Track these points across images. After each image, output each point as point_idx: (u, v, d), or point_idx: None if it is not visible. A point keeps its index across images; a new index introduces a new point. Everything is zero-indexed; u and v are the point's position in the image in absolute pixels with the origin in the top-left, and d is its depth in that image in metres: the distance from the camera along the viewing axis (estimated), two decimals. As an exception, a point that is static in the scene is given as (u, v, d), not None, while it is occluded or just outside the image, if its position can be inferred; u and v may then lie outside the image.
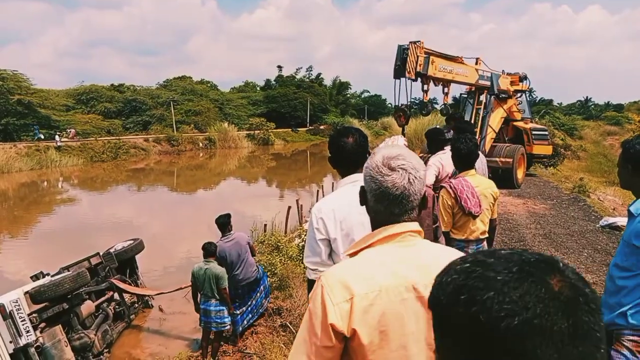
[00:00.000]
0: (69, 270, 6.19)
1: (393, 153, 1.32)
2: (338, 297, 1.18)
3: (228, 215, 6.08)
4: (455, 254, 1.28)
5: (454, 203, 3.26)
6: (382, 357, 1.19)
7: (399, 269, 1.22)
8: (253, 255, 6.29)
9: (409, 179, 1.28)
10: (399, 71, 9.27)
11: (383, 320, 1.18)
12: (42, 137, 33.40)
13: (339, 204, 2.23)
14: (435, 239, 3.26)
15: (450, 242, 3.41)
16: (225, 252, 5.86)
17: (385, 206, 1.31)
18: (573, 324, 0.57)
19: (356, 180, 2.31)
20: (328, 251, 2.23)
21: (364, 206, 1.44)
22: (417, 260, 1.25)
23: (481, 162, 4.59)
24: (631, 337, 2.27)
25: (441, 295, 0.66)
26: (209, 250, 5.72)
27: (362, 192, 1.39)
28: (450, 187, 3.30)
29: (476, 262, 0.64)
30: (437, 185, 4.28)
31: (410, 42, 9.15)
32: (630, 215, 2.38)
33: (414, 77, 9.20)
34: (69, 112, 42.40)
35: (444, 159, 4.45)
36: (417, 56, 9.05)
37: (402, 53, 9.21)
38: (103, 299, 6.51)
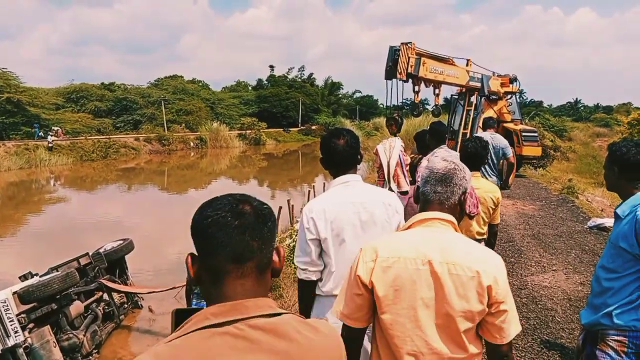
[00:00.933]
0: (57, 271, 6.14)
1: (449, 156, 1.79)
2: (367, 257, 1.56)
3: None
4: (475, 246, 1.60)
5: None
6: (395, 312, 1.51)
7: (420, 246, 1.52)
8: None
9: (454, 168, 1.65)
10: (391, 72, 9.32)
11: (397, 281, 1.51)
12: (43, 135, 33.08)
13: (330, 203, 2.25)
14: None
15: None
16: None
17: (431, 185, 1.64)
18: (239, 223, 1.00)
19: (347, 181, 2.32)
20: (318, 251, 2.24)
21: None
22: (440, 242, 1.53)
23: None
24: (616, 337, 2.30)
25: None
26: None
27: (417, 186, 1.74)
28: None
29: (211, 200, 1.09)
30: None
31: (402, 43, 9.20)
32: (617, 217, 2.42)
33: (405, 78, 9.24)
34: (58, 110, 42.00)
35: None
36: (408, 57, 9.10)
37: (394, 54, 9.26)
38: (92, 299, 6.47)
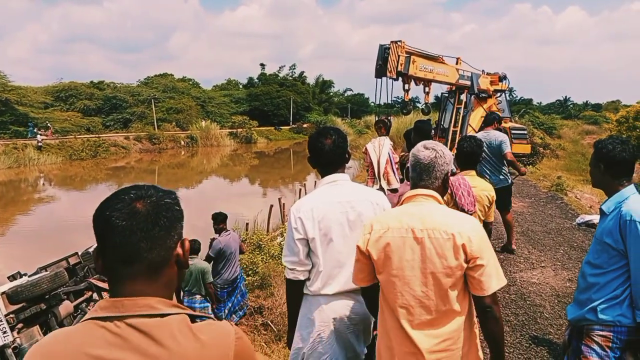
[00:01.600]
0: (46, 270, 6.10)
1: (430, 142, 2.04)
2: (365, 231, 1.95)
3: (225, 216, 6.29)
4: (452, 213, 1.92)
5: (449, 199, 3.32)
6: (387, 273, 1.87)
7: (404, 218, 1.87)
8: (242, 252, 6.51)
9: (436, 156, 1.94)
10: (381, 70, 9.34)
11: (387, 247, 1.86)
12: (39, 133, 32.69)
13: (318, 203, 2.24)
14: None
15: None
16: (230, 246, 6.02)
17: (417, 173, 1.97)
18: (127, 225, 1.01)
19: (335, 180, 2.32)
20: (306, 251, 2.24)
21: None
22: (421, 213, 1.86)
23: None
24: (601, 333, 2.33)
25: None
26: (193, 248, 5.75)
27: (406, 170, 2.12)
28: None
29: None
30: None
31: (392, 42, 9.21)
32: (602, 213, 2.45)
33: (395, 77, 9.27)
34: (47, 109, 41.61)
35: None
36: (399, 55, 9.11)
37: (384, 52, 9.28)
38: (82, 299, 6.43)
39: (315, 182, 18.95)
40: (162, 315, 0.99)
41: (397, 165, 4.69)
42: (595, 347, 2.34)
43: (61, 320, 5.80)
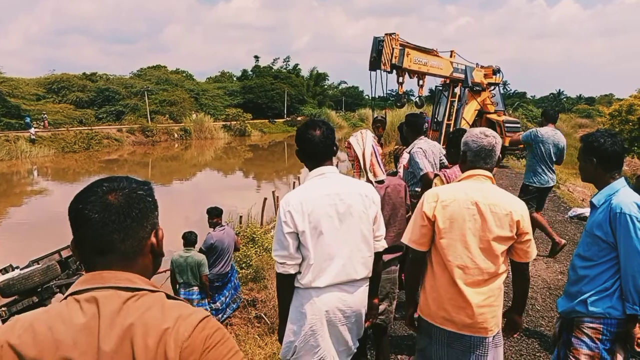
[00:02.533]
0: (39, 263, 6.08)
1: (488, 130, 2.33)
2: (430, 200, 2.23)
3: (220, 211, 6.25)
4: (507, 194, 2.24)
5: None
6: (449, 238, 2.18)
7: (469, 192, 2.19)
8: (237, 250, 6.46)
9: (496, 142, 2.28)
10: (375, 63, 9.33)
11: (453, 215, 2.16)
12: (33, 126, 32.42)
13: (307, 196, 2.23)
14: None
15: None
16: (223, 242, 5.97)
17: (481, 157, 2.26)
18: (100, 218, 1.05)
19: (324, 173, 2.31)
20: (296, 244, 2.22)
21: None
22: (482, 190, 2.20)
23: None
24: (591, 325, 2.35)
25: None
26: (190, 240, 5.73)
27: (463, 153, 2.32)
28: (444, 175, 3.45)
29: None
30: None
31: (386, 34, 9.19)
32: (593, 206, 2.47)
33: (389, 69, 9.26)
34: (39, 101, 41.29)
35: (422, 145, 4.40)
36: (393, 48, 9.10)
37: (378, 45, 9.26)
38: (74, 292, 6.43)
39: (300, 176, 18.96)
40: (139, 290, 1.04)
41: (381, 157, 4.67)
42: (586, 339, 2.36)
43: (54, 313, 5.80)
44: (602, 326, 2.33)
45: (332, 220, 2.23)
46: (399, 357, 3.65)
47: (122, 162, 30.89)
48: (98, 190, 1.07)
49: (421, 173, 4.19)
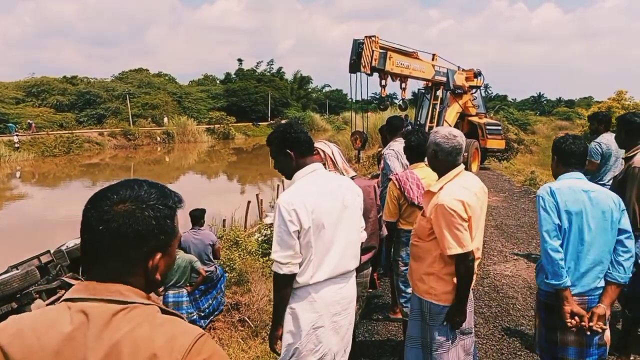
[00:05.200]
0: (17, 269, 5.97)
1: (449, 128, 2.60)
2: (459, 207, 2.37)
3: (203, 210, 6.06)
4: (478, 180, 2.63)
5: (400, 194, 3.38)
6: (474, 224, 2.43)
7: (468, 186, 2.48)
8: (216, 258, 6.19)
9: (462, 139, 2.50)
10: (355, 66, 9.28)
11: (472, 209, 2.40)
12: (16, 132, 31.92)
13: (307, 193, 2.26)
14: (380, 228, 3.35)
15: (398, 232, 3.50)
16: (188, 244, 5.78)
17: (453, 157, 2.49)
18: (104, 228, 1.02)
19: (315, 169, 2.36)
20: (300, 245, 2.24)
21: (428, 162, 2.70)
22: (472, 182, 2.55)
23: None
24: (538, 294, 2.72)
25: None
26: None
27: (434, 152, 2.52)
28: (396, 179, 3.43)
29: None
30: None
31: (366, 37, 9.18)
32: None
33: (369, 72, 9.24)
34: (18, 105, 40.63)
35: (395, 147, 4.47)
36: (373, 51, 9.10)
37: (358, 47, 9.22)
38: (54, 297, 6.31)
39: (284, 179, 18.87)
40: (130, 303, 1.01)
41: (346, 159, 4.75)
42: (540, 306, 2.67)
43: (33, 319, 5.69)
44: (539, 296, 2.66)
45: (331, 215, 2.29)
46: None
47: (104, 166, 30.53)
48: (111, 197, 1.05)
49: (390, 175, 4.27)
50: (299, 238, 2.22)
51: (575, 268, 2.45)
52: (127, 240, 1.03)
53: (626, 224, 2.47)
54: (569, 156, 2.57)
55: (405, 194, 3.33)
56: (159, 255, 1.08)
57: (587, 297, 2.45)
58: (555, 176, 2.66)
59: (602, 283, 2.46)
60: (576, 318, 2.41)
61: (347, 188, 2.41)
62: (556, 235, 2.43)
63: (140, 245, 1.04)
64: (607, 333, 2.50)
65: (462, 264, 2.37)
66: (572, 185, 2.49)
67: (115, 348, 0.95)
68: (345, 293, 2.39)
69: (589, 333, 2.42)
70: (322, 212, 2.25)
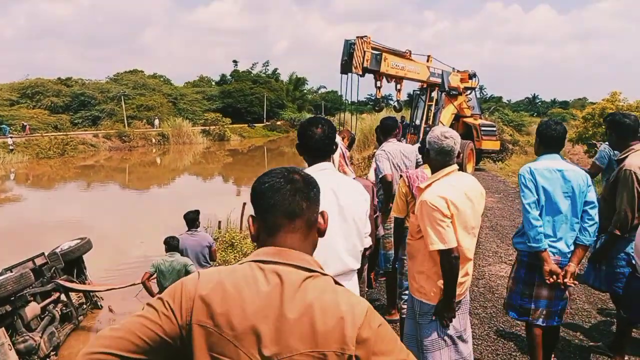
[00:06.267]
0: (11, 272, 5.94)
1: (445, 129, 2.59)
2: (441, 204, 2.41)
3: (197, 212, 6.04)
4: (473, 181, 2.66)
5: (408, 191, 3.40)
6: (458, 222, 2.43)
7: (458, 186, 2.49)
8: (213, 260, 6.18)
9: (454, 142, 2.52)
10: (346, 66, 9.20)
11: (456, 208, 2.42)
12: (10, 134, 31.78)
13: None
14: (376, 228, 3.37)
15: (404, 229, 3.51)
16: (185, 246, 5.78)
17: (442, 157, 2.53)
18: (291, 187, 1.23)
19: (325, 169, 2.39)
20: None
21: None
22: (464, 182, 2.56)
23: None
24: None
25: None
26: (172, 245, 5.62)
27: (427, 151, 2.60)
28: (406, 176, 3.49)
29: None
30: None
31: (357, 37, 9.11)
32: None
33: (361, 73, 9.18)
34: (13, 106, 40.47)
35: (387, 147, 4.49)
36: (364, 51, 9.04)
37: (349, 48, 9.15)
38: (49, 300, 6.29)
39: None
40: (314, 271, 1.17)
41: (349, 158, 4.76)
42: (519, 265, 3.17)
43: (28, 322, 5.66)
44: (521, 258, 3.14)
45: (333, 213, 2.29)
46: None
47: (99, 167, 30.41)
48: (283, 170, 1.27)
49: (380, 175, 4.32)
50: None
51: (552, 234, 2.94)
52: (315, 195, 1.28)
53: (592, 196, 2.93)
54: (549, 139, 3.02)
55: (413, 191, 3.35)
56: (324, 212, 1.35)
57: (560, 258, 2.94)
58: (537, 154, 3.12)
59: (572, 247, 2.95)
60: (554, 276, 2.89)
61: (356, 192, 2.42)
62: (535, 206, 2.93)
63: (318, 202, 1.30)
64: (570, 290, 3.12)
65: (445, 260, 2.43)
66: (548, 165, 2.96)
67: (310, 308, 1.09)
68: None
69: (563, 287, 2.94)
70: (325, 209, 2.26)
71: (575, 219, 2.92)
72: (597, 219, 2.94)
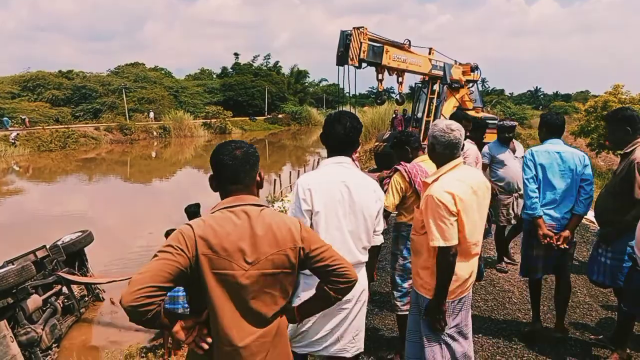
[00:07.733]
0: (13, 264, 5.96)
1: (449, 122, 2.56)
2: (447, 199, 2.35)
3: (198, 205, 6.02)
4: (479, 174, 2.68)
5: (408, 186, 3.32)
6: (465, 218, 2.40)
7: (464, 179, 2.47)
8: None
9: (460, 134, 2.50)
10: (342, 58, 9.05)
11: (463, 203, 2.39)
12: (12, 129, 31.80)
13: (326, 180, 2.36)
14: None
15: (399, 225, 3.47)
16: None
17: (450, 150, 2.50)
18: (232, 162, 1.74)
19: (342, 162, 2.44)
20: (309, 223, 2.31)
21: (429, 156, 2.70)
22: (469, 174, 2.54)
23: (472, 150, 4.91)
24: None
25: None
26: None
27: (432, 145, 2.54)
28: (405, 171, 3.36)
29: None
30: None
31: (354, 28, 8.94)
32: None
33: (357, 64, 9.02)
34: (14, 99, 40.44)
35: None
36: (361, 42, 8.90)
37: (345, 39, 8.98)
38: (51, 292, 6.32)
39: (291, 172, 18.88)
40: (263, 206, 1.76)
41: (356, 155, 4.73)
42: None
43: (29, 314, 5.68)
44: (524, 226, 3.79)
45: (344, 206, 2.34)
46: (388, 357, 3.65)
47: (100, 160, 30.42)
48: (229, 147, 1.74)
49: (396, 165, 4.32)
50: (311, 219, 2.30)
51: (550, 205, 3.52)
52: (250, 166, 1.75)
53: (587, 173, 3.47)
54: (554, 127, 3.64)
55: (416, 186, 3.29)
56: (262, 172, 1.85)
57: (556, 225, 3.52)
58: (541, 140, 3.69)
59: (567, 216, 3.50)
60: (548, 239, 3.47)
61: (370, 189, 2.45)
62: (534, 181, 3.55)
63: (255, 168, 1.79)
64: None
65: (443, 257, 2.38)
66: (549, 148, 3.57)
67: (270, 226, 1.69)
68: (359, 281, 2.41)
69: (556, 249, 3.50)
70: (336, 200, 2.34)
71: (570, 193, 3.49)
72: (592, 193, 3.49)
